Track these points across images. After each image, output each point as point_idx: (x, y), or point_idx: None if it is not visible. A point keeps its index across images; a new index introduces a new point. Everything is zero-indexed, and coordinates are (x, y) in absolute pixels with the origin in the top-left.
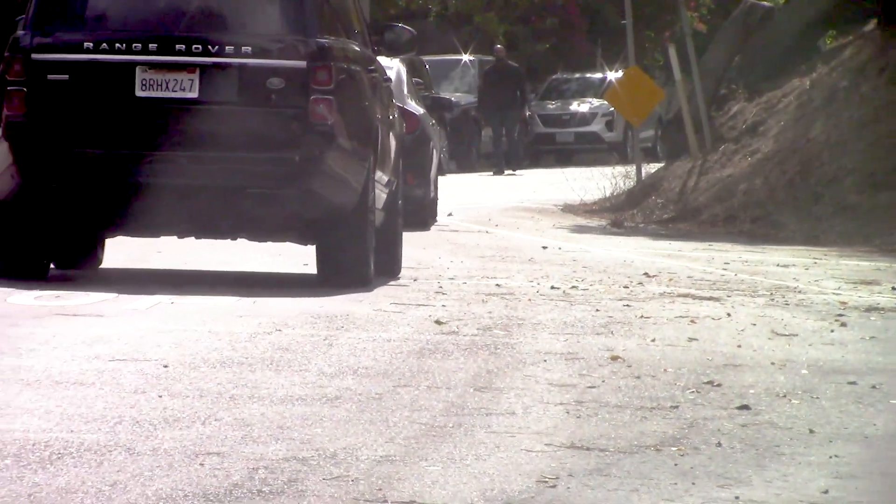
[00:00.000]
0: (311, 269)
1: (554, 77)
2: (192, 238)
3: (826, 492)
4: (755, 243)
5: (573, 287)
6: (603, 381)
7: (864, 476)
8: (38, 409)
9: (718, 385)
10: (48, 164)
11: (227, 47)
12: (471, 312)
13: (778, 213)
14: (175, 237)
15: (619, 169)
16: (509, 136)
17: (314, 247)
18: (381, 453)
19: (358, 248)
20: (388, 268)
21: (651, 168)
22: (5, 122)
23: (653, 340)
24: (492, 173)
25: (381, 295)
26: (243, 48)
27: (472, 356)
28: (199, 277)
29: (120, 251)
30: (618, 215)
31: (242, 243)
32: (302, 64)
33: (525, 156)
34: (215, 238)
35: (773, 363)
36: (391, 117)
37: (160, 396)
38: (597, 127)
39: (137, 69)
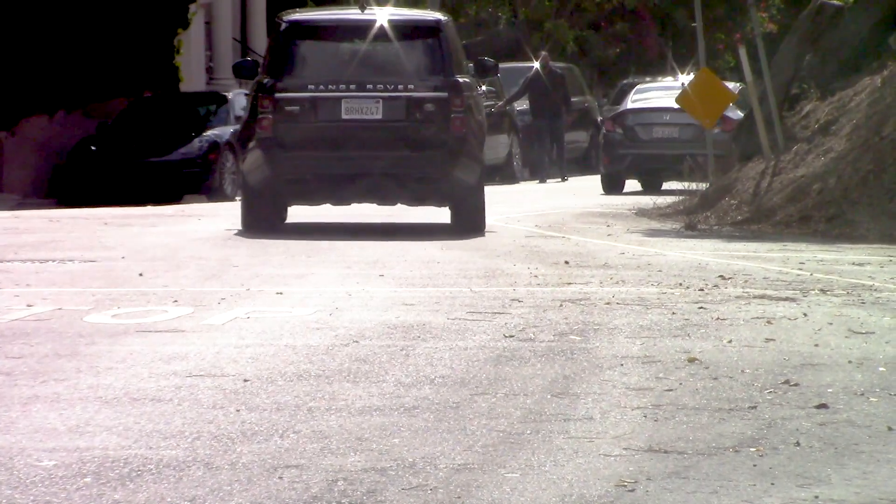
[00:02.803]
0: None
1: (625, 82)
2: (374, 204)
3: None
4: (830, 242)
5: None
6: (680, 384)
7: None
8: (116, 426)
9: (796, 385)
10: (287, 163)
11: (398, 85)
12: (546, 319)
13: (852, 212)
14: (357, 204)
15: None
16: (560, 143)
17: (448, 208)
18: (459, 462)
19: (477, 209)
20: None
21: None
22: (259, 138)
23: (729, 342)
24: (537, 182)
25: (458, 304)
26: (409, 86)
27: (548, 362)
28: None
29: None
30: (691, 218)
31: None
32: (445, 94)
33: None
34: (387, 205)
35: (850, 361)
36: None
37: (238, 411)
38: None
39: (342, 101)
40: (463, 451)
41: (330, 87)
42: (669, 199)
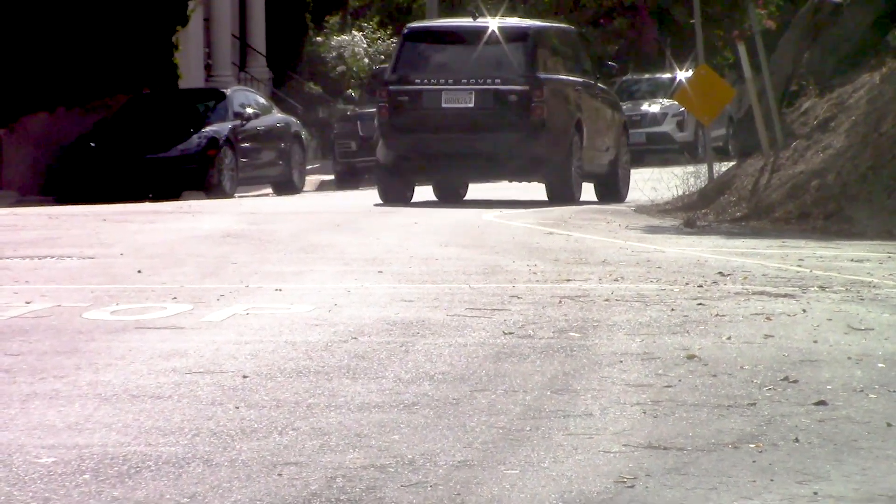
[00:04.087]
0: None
1: (624, 78)
2: (476, 182)
3: None
4: (829, 239)
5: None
6: (679, 381)
7: None
8: (116, 423)
9: (795, 381)
10: (404, 144)
11: (487, 79)
12: (546, 315)
13: (851, 208)
14: (464, 182)
15: (691, 168)
16: None
17: (544, 184)
18: (459, 458)
19: (567, 183)
20: (614, 197)
21: (723, 167)
22: (379, 123)
23: (728, 338)
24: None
25: (457, 301)
26: (496, 80)
27: (548, 359)
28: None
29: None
30: (690, 215)
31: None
32: (527, 87)
33: None
34: (488, 182)
35: (849, 358)
36: (604, 112)
37: (237, 408)
38: (668, 127)
39: (443, 92)
40: (462, 447)
41: (433, 80)
42: (668, 196)
